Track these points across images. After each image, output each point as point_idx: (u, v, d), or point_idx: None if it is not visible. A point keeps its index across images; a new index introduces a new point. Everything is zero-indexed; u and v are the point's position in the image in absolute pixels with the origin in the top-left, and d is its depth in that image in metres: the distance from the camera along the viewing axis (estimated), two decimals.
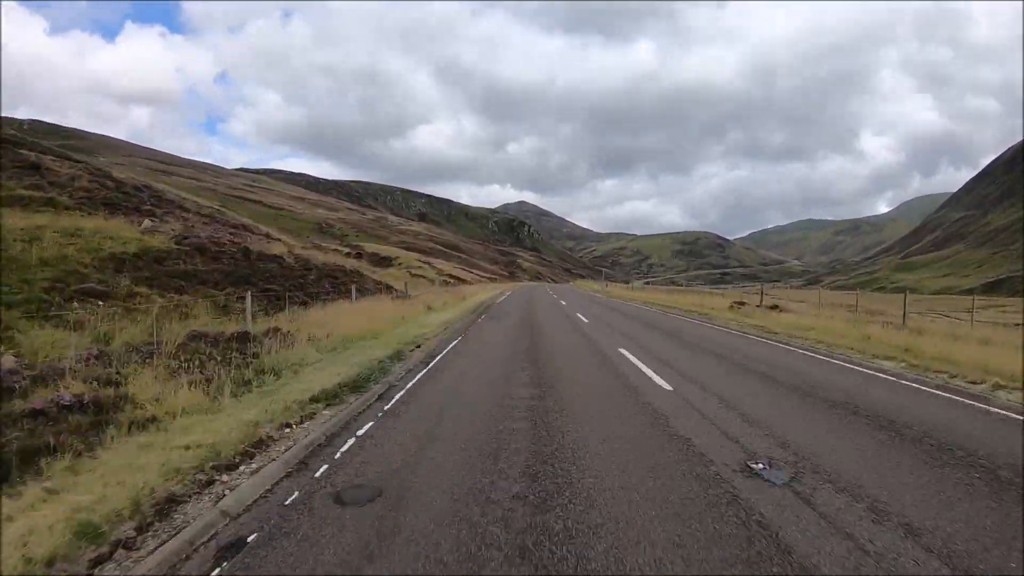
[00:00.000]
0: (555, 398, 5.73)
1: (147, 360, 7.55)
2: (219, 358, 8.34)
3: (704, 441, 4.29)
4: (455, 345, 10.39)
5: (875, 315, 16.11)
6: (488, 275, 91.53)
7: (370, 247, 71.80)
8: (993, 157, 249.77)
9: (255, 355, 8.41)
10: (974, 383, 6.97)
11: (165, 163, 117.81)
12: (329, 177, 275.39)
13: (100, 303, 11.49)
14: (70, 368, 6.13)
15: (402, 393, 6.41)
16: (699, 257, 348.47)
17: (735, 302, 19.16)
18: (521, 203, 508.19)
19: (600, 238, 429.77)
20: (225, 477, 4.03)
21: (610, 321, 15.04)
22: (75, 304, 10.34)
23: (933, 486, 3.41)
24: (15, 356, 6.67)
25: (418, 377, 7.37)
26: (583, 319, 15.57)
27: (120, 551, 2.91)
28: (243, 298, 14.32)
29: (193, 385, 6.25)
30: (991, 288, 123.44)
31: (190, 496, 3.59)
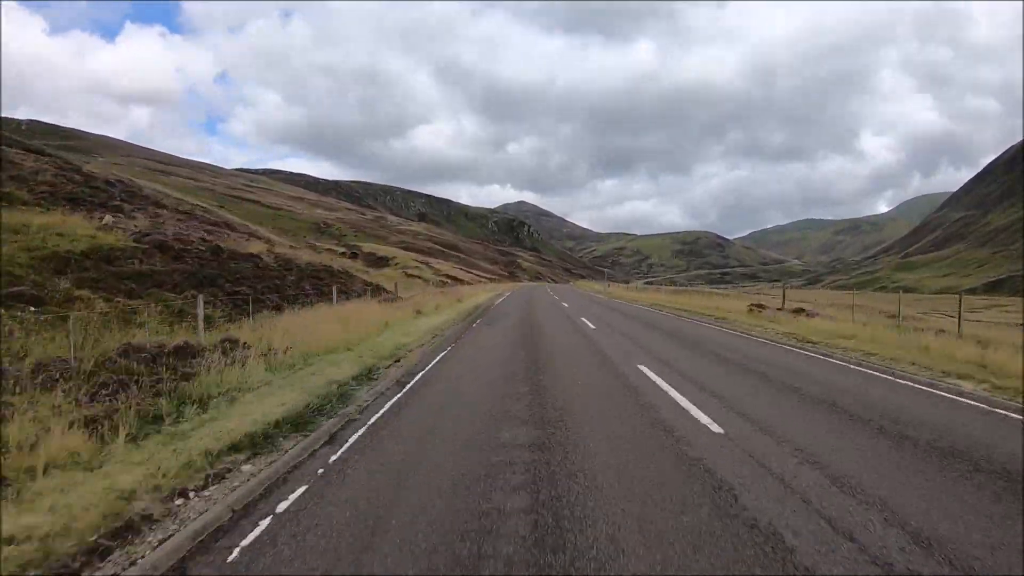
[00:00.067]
0: (564, 449, 4.13)
1: (55, 383, 5.96)
2: (147, 379, 6.76)
3: (813, 544, 2.68)
4: (442, 359, 8.79)
5: (911, 320, 14.54)
6: (488, 275, 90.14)
7: (367, 247, 70.35)
8: (993, 157, 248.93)
9: (189, 376, 6.81)
10: None
11: (164, 163, 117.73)
12: (329, 177, 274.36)
13: (32, 309, 9.88)
14: None
15: (359, 435, 4.81)
16: (699, 257, 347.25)
17: (753, 305, 17.56)
18: (521, 203, 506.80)
19: (600, 238, 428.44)
20: None
21: (619, 327, 13.44)
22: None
23: None
24: None
25: (387, 407, 5.77)
26: (588, 324, 13.97)
27: None
28: (205, 302, 12.70)
29: (76, 425, 4.66)
30: (992, 288, 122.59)
31: None
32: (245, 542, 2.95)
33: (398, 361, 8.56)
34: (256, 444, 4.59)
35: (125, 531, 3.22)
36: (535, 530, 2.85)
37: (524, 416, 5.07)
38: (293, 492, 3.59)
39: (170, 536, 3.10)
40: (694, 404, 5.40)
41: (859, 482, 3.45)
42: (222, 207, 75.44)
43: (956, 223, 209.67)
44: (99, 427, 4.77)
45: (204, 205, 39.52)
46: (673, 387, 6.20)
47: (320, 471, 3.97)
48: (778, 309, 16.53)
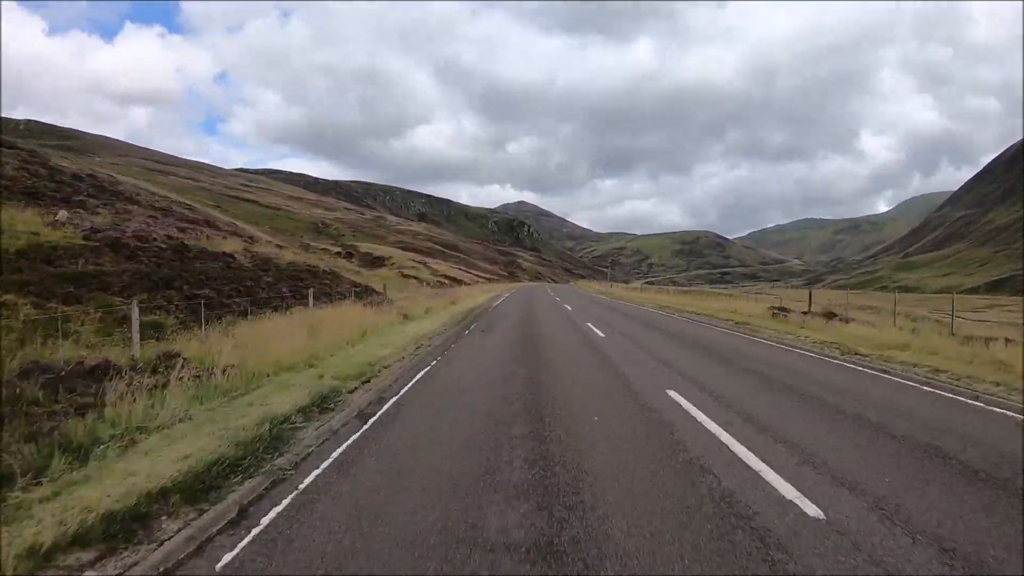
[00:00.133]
0: (584, 558, 2.56)
1: None
2: (41, 410, 5.26)
3: None
4: (423, 378, 7.22)
5: (937, 322, 13.00)
6: (487, 275, 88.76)
7: (364, 247, 68.94)
8: (994, 156, 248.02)
9: (86, 408, 5.25)
10: None
11: (162, 163, 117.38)
12: (328, 177, 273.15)
13: None
14: None
15: (280, 509, 3.25)
16: (699, 257, 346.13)
17: (776, 308, 15.95)
18: (521, 203, 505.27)
19: (600, 238, 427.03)
20: None
21: (632, 334, 11.86)
22: None
23: None
24: None
25: (334, 457, 4.22)
26: (596, 331, 12.39)
27: None
28: (158, 307, 11.14)
29: None
30: (994, 287, 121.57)
31: None
32: None
33: (368, 382, 6.98)
34: (116, 532, 3.03)
35: None
36: None
37: (522, 483, 3.50)
38: None
39: None
40: (763, 461, 3.80)
41: None
42: (217, 206, 74.17)
43: (957, 222, 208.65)
44: None
45: (188, 202, 37.94)
46: (724, 428, 4.60)
47: None
48: (804, 313, 14.95)
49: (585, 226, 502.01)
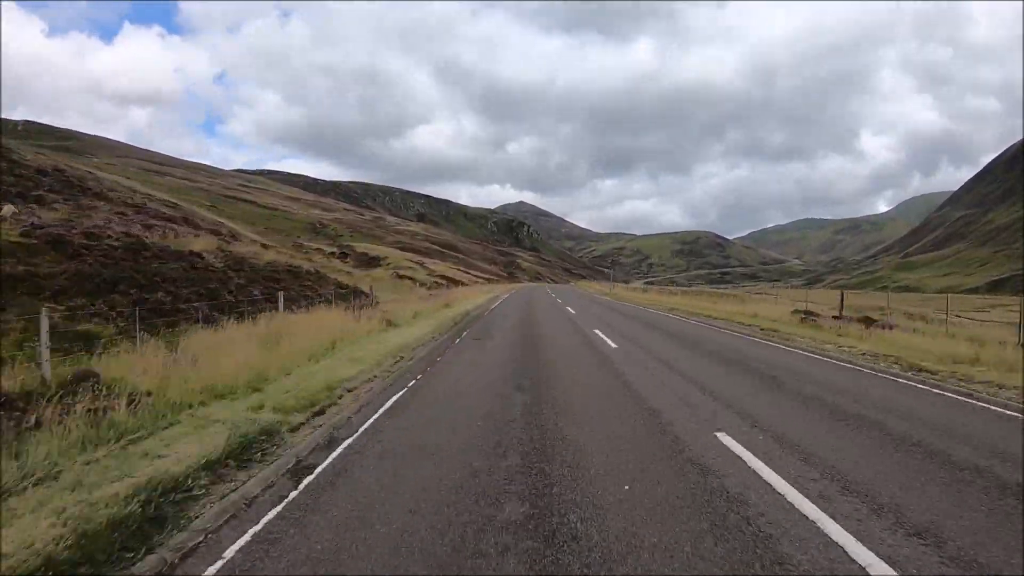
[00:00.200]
0: None
1: None
2: None
3: None
4: (392, 408, 5.69)
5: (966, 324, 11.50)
6: (486, 276, 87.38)
7: (361, 247, 67.56)
8: (994, 156, 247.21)
9: None
10: None
11: (160, 164, 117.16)
12: (328, 178, 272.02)
13: None
14: None
15: None
16: (699, 257, 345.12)
17: (802, 312, 14.33)
18: (520, 203, 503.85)
19: (600, 238, 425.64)
20: None
21: (647, 344, 10.24)
22: None
23: None
24: None
25: (238, 546, 2.70)
26: (606, 340, 10.77)
27: None
28: (97, 314, 9.60)
29: None
30: (995, 287, 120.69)
31: None
32: None
33: (321, 413, 5.44)
34: None
35: None
36: None
37: None
38: None
39: None
40: (882, 559, 2.28)
41: None
42: (213, 206, 72.90)
43: (957, 222, 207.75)
44: None
45: (174, 200, 36.35)
46: (823, 509, 3.07)
47: None
48: (836, 317, 13.40)
49: (585, 226, 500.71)
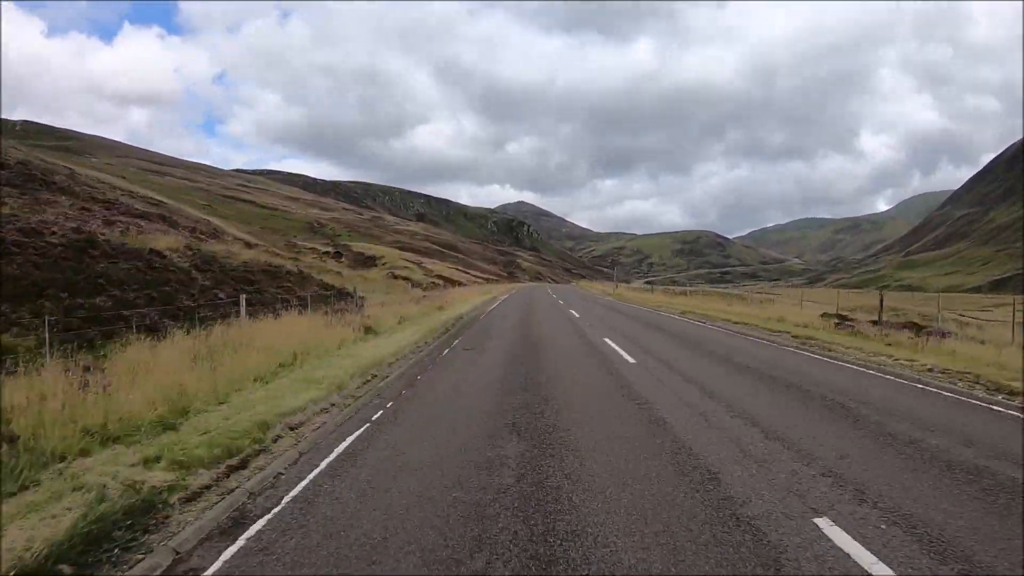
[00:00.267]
0: None
1: None
2: None
3: None
4: (342, 457, 4.17)
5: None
6: (486, 276, 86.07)
7: (358, 246, 66.23)
8: (994, 155, 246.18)
9: None
10: None
11: (159, 163, 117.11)
12: (328, 178, 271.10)
13: None
14: None
15: None
16: (699, 256, 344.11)
17: (836, 316, 12.71)
18: (520, 203, 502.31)
19: (600, 238, 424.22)
20: None
21: (671, 358, 8.38)
22: None
23: None
24: None
25: None
26: (620, 352, 9.00)
27: None
28: (18, 323, 8.09)
29: None
30: (997, 286, 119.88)
31: None
32: None
33: (242, 467, 3.91)
34: None
35: None
36: None
37: None
38: None
39: None
40: None
41: None
42: (209, 205, 71.68)
43: (958, 221, 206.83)
44: None
45: (158, 198, 34.81)
46: None
47: None
48: (873, 322, 11.87)
49: (585, 226, 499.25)
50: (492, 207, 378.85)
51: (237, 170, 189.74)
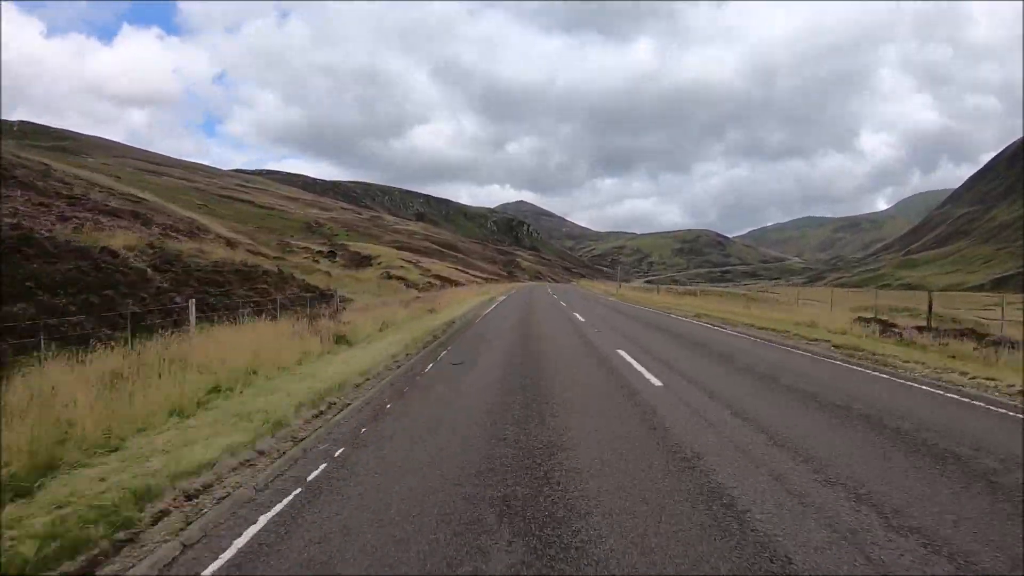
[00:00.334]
0: None
1: None
2: None
3: None
4: (246, 552, 2.72)
5: None
6: (485, 275, 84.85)
7: (355, 246, 64.96)
8: (994, 154, 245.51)
9: None
10: None
11: (157, 164, 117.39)
12: (327, 178, 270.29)
13: None
14: None
15: None
16: (699, 255, 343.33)
17: (875, 320, 11.14)
18: (520, 203, 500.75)
19: (600, 237, 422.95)
20: None
21: (705, 380, 6.82)
22: None
23: None
24: None
25: None
26: (641, 371, 7.36)
27: None
28: None
29: None
30: (999, 284, 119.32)
31: None
32: None
33: None
34: None
35: None
36: None
37: None
38: None
39: None
40: None
41: None
42: (204, 205, 70.44)
43: (958, 220, 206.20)
44: None
45: (138, 195, 33.25)
46: None
47: None
48: (919, 328, 10.37)
49: (584, 225, 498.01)
50: (492, 207, 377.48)
51: (236, 170, 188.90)
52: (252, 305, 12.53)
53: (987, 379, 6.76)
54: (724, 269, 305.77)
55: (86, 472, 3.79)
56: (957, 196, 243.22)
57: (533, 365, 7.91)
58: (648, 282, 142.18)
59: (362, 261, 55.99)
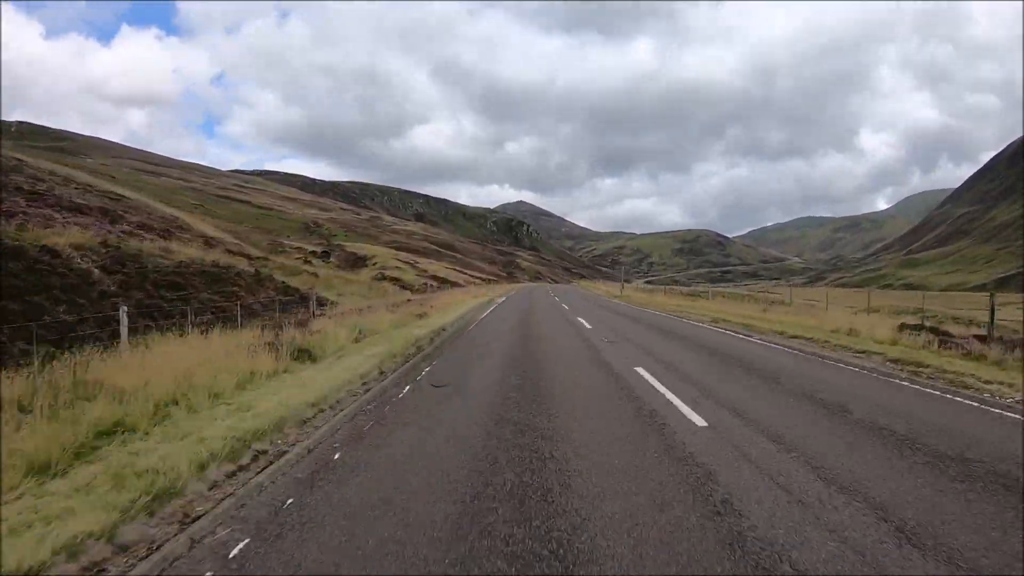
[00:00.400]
0: None
1: None
2: None
3: None
4: None
5: None
6: (485, 276, 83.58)
7: (351, 246, 63.77)
8: (994, 153, 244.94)
9: None
10: None
11: (156, 164, 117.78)
12: (327, 178, 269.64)
13: None
14: None
15: None
16: (699, 255, 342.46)
17: (929, 332, 9.52)
18: (520, 203, 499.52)
19: (600, 237, 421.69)
20: None
21: (763, 416, 5.23)
22: None
23: None
24: None
25: None
26: (679, 405, 5.65)
27: None
28: None
29: None
30: (1002, 284, 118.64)
31: None
32: None
33: None
34: None
35: None
36: None
37: None
38: None
39: None
40: None
41: None
42: (200, 205, 69.25)
43: (959, 219, 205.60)
44: None
45: (117, 192, 31.76)
46: None
47: None
48: (980, 337, 8.86)
49: (584, 225, 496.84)
50: (492, 207, 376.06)
51: (235, 171, 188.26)
52: (216, 311, 11.06)
53: None
54: (724, 269, 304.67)
55: None
56: (957, 196, 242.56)
57: (533, 388, 6.42)
58: (648, 282, 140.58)
59: (357, 262, 54.57)
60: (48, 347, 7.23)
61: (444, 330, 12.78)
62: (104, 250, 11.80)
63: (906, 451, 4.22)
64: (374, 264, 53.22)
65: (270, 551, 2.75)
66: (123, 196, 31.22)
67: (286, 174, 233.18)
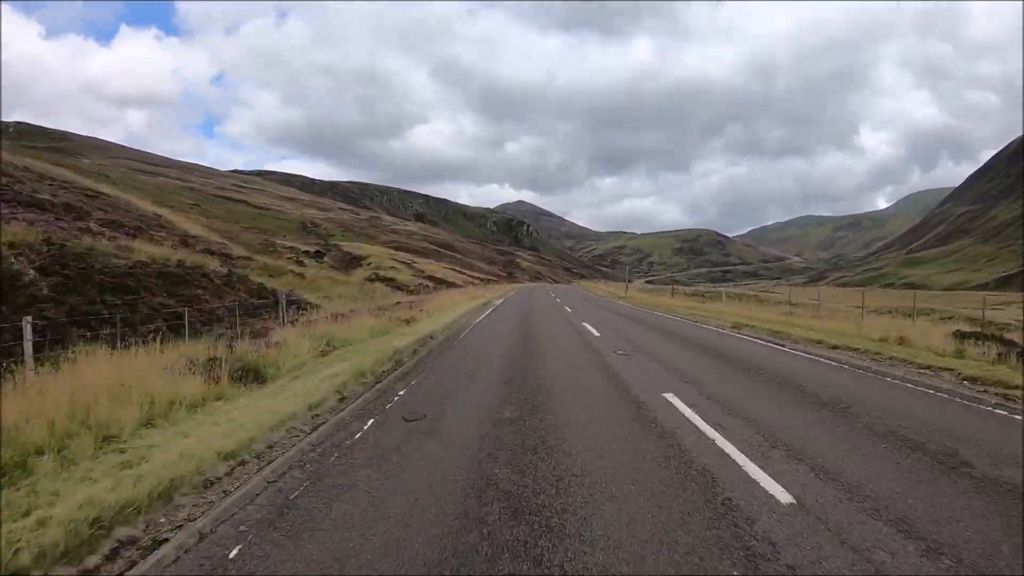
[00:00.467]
0: None
1: None
2: None
3: None
4: None
5: None
6: (485, 276, 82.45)
7: (348, 246, 62.53)
8: (994, 151, 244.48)
9: None
10: None
11: (154, 164, 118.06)
12: (326, 178, 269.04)
13: None
14: None
15: None
16: (700, 255, 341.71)
17: (994, 342, 8.03)
18: (519, 202, 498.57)
19: (599, 237, 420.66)
20: None
21: (861, 481, 3.45)
22: None
23: None
24: None
25: None
26: (749, 468, 3.72)
27: None
28: None
29: None
30: (1003, 283, 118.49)
31: None
32: None
33: None
34: None
35: None
36: None
37: None
38: None
39: None
40: None
41: None
42: (196, 205, 68.00)
43: (959, 218, 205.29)
44: None
45: (95, 189, 30.30)
46: None
47: None
48: None
49: (584, 225, 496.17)
50: (491, 207, 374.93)
51: (234, 171, 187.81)
52: (168, 318, 9.61)
53: None
54: (725, 269, 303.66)
55: None
56: (958, 194, 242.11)
57: (533, 426, 4.96)
58: (648, 282, 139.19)
59: (352, 262, 53.15)
60: None
61: (431, 338, 11.26)
62: (47, 248, 10.37)
63: None
64: (369, 264, 51.79)
65: None
66: (100, 193, 29.76)
67: (285, 174, 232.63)
